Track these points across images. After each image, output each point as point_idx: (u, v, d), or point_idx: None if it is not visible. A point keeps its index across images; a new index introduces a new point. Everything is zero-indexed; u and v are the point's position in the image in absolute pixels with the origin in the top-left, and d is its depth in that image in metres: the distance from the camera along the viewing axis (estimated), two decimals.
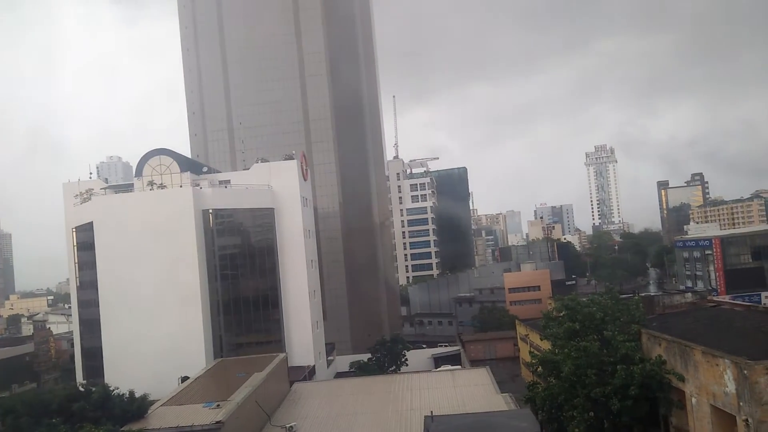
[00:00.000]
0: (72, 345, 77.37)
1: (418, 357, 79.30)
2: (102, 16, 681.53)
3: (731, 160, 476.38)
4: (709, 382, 22.73)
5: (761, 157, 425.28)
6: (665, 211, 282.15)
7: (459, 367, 63.58)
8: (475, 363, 71.45)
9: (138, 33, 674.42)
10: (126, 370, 50.67)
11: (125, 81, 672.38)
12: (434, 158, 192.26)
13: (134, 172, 63.87)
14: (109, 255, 56.74)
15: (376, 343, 75.16)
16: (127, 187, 65.69)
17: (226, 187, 62.97)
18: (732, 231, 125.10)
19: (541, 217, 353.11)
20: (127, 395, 33.04)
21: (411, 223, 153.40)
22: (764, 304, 58.24)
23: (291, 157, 65.35)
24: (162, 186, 59.82)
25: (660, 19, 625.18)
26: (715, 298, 45.45)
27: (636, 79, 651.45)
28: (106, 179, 76.84)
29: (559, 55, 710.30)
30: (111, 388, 34.15)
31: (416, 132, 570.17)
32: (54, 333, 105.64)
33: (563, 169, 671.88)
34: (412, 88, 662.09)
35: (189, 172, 61.41)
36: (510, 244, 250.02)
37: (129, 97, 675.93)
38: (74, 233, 62.58)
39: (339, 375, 69.72)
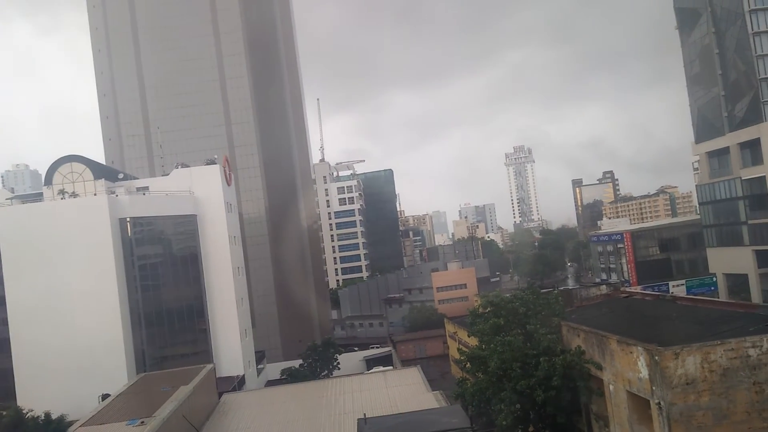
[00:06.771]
0: None
1: (350, 360, 79.33)
2: (6, 21, 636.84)
3: (636, 158, 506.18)
4: (625, 369, 23.97)
5: (664, 156, 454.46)
6: (580, 208, 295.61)
7: (390, 367, 64.12)
8: (407, 363, 72.32)
9: (47, 35, 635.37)
10: (40, 391, 47.81)
11: (33, 86, 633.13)
12: (360, 161, 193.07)
13: (43, 181, 60.42)
14: (17, 269, 53.48)
15: (307, 348, 74.51)
16: (36, 197, 62.08)
17: (144, 194, 60.64)
18: (641, 225, 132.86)
19: (466, 217, 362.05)
20: (43, 417, 31.27)
21: (339, 225, 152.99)
22: (672, 293, 62.26)
23: (213, 162, 63.81)
24: (74, 195, 56.98)
25: (562, 32, 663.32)
26: (627, 289, 48.06)
27: (543, 86, 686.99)
28: (12, 189, 72.12)
29: (473, 65, 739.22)
30: (24, 411, 32.28)
31: (341, 137, 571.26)
32: None
33: (485, 169, 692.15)
34: (336, 94, 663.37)
35: (104, 179, 58.82)
36: (437, 243, 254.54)
37: (37, 102, 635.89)
38: None
39: (270, 383, 68.62)
